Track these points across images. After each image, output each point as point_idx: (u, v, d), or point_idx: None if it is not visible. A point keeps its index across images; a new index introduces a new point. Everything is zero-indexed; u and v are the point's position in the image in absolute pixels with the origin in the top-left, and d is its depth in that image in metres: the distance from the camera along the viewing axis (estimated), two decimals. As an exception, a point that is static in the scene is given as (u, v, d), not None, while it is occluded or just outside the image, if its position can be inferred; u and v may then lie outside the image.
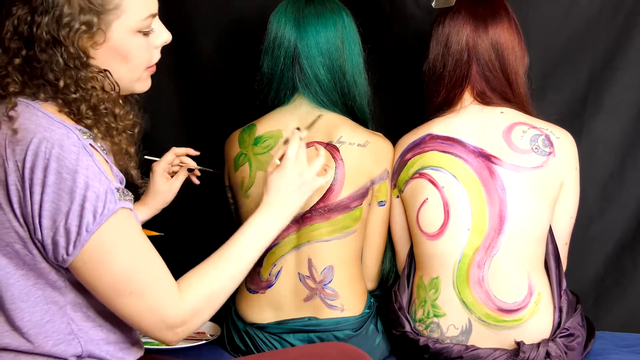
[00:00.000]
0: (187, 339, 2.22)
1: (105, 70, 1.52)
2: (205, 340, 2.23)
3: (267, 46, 2.17)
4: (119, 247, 1.46)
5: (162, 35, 1.59)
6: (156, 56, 1.60)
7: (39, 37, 1.45)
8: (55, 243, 1.44)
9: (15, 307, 1.48)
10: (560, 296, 2.05)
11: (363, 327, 2.14)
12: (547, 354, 1.98)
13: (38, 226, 1.43)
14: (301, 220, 2.11)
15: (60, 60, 1.46)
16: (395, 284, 2.19)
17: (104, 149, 1.51)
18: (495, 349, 2.01)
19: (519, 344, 2.00)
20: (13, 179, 1.43)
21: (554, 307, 2.05)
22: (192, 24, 2.61)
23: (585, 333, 2.11)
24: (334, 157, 2.11)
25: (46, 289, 1.49)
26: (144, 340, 1.77)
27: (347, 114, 2.17)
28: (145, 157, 1.99)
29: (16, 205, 1.44)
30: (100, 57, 1.51)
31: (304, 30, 2.13)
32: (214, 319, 2.33)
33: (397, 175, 2.16)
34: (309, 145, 2.13)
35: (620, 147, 2.50)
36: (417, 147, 2.13)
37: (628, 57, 2.48)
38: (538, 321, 2.02)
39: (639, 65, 2.47)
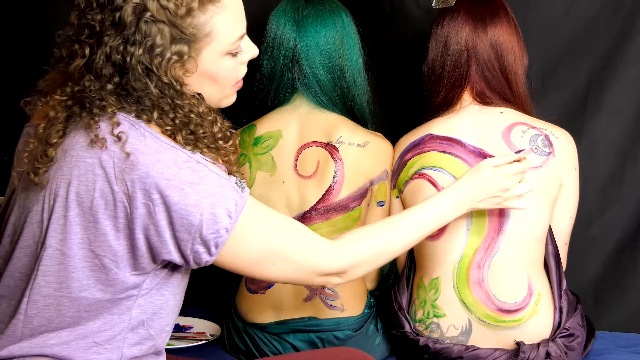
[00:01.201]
0: (187, 339, 2.23)
1: (198, 94, 1.53)
2: (205, 340, 2.24)
3: (266, 46, 2.17)
4: (257, 230, 1.52)
5: (250, 51, 1.59)
6: (243, 71, 1.60)
7: (132, 67, 1.45)
8: (195, 251, 1.47)
9: (78, 315, 1.49)
10: (560, 296, 2.05)
11: (363, 327, 2.14)
12: (547, 354, 1.98)
13: (172, 242, 1.46)
14: (301, 220, 2.11)
15: (154, 89, 1.47)
16: (395, 284, 2.19)
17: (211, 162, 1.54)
18: (495, 349, 2.01)
19: (519, 344, 2.00)
20: (120, 198, 1.44)
21: (554, 307, 2.04)
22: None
23: (585, 333, 2.10)
24: (333, 157, 2.11)
25: (116, 302, 1.50)
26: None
27: (346, 114, 2.17)
28: None
29: (121, 222, 1.45)
30: (192, 83, 1.52)
31: (303, 30, 2.13)
32: (213, 319, 2.34)
33: (397, 175, 2.16)
34: (308, 145, 2.14)
35: (620, 147, 2.50)
36: (417, 147, 2.13)
37: (628, 57, 2.48)
38: (538, 321, 2.02)
39: (639, 65, 2.47)
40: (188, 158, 1.47)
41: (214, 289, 2.44)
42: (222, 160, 1.55)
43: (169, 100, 1.48)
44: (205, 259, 1.49)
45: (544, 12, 2.50)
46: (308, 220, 2.10)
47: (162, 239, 1.46)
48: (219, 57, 1.53)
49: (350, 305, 2.14)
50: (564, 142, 2.10)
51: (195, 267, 1.52)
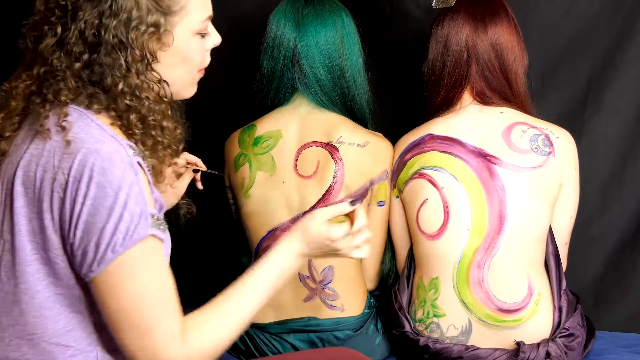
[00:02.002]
0: (187, 339, 2.22)
1: (164, 81, 1.52)
2: (205, 340, 2.23)
3: (266, 46, 2.17)
4: (139, 276, 1.42)
5: (214, 38, 1.60)
6: (207, 59, 1.60)
7: (105, 41, 1.44)
8: (83, 256, 1.41)
9: (39, 314, 1.46)
10: (560, 296, 2.05)
11: (363, 327, 2.14)
12: (547, 354, 1.99)
13: (73, 236, 1.42)
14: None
15: (124, 63, 1.45)
16: (395, 284, 2.19)
17: (149, 170, 1.49)
18: (495, 349, 2.01)
19: (519, 344, 2.00)
20: (57, 187, 1.41)
21: (554, 307, 2.05)
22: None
23: (585, 333, 2.11)
24: (333, 157, 2.11)
25: (73, 298, 1.47)
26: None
27: (346, 113, 2.17)
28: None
29: (56, 213, 1.42)
30: (165, 62, 1.52)
31: (303, 30, 2.13)
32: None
33: (397, 175, 2.16)
34: (308, 145, 2.14)
35: (620, 147, 2.50)
36: (417, 147, 2.13)
37: (628, 57, 2.48)
38: (538, 321, 2.03)
39: (639, 65, 2.47)
40: (125, 158, 1.42)
41: (213, 289, 2.43)
42: (160, 170, 1.53)
43: (131, 81, 1.46)
44: (86, 269, 1.41)
45: (544, 12, 2.50)
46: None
47: (70, 231, 1.41)
48: (190, 36, 1.53)
49: (350, 305, 2.14)
50: (564, 141, 2.10)
51: (79, 274, 1.44)
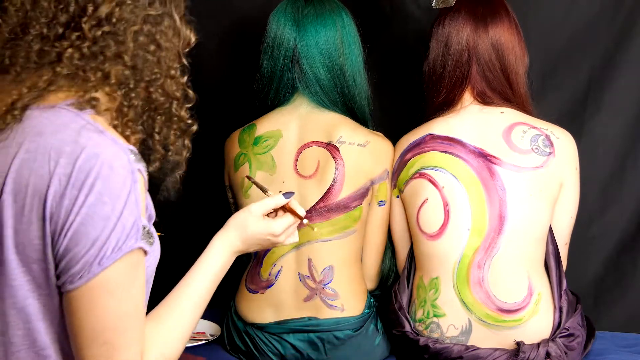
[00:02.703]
0: (187, 339, 2.22)
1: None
2: (205, 340, 2.24)
3: (266, 46, 2.17)
4: (121, 292, 1.34)
5: None
6: None
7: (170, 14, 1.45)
8: (67, 267, 1.32)
9: (32, 326, 1.38)
10: (560, 296, 2.05)
11: (363, 327, 2.14)
12: (547, 354, 1.99)
13: (59, 245, 1.32)
14: (301, 220, 2.12)
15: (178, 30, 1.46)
16: (395, 284, 2.19)
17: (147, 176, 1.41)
18: (495, 349, 2.01)
19: (519, 344, 2.00)
20: (52, 192, 1.31)
21: (554, 307, 2.05)
22: (192, 24, 2.61)
23: (585, 333, 2.11)
24: (334, 157, 2.11)
25: (58, 311, 1.38)
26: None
27: (347, 113, 2.18)
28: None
29: (48, 222, 1.32)
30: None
31: (303, 30, 2.13)
32: (213, 319, 2.33)
33: (397, 175, 2.16)
34: (308, 145, 2.14)
35: (620, 147, 2.51)
36: (417, 147, 2.13)
37: (628, 57, 2.48)
38: (538, 321, 2.02)
39: (639, 65, 2.47)
40: (127, 164, 1.33)
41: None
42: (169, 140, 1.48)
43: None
44: (67, 280, 1.32)
45: (544, 12, 2.50)
46: (308, 220, 2.10)
47: (60, 238, 1.32)
48: None
49: (350, 305, 2.14)
50: (564, 142, 2.10)
51: (55, 282, 1.35)
